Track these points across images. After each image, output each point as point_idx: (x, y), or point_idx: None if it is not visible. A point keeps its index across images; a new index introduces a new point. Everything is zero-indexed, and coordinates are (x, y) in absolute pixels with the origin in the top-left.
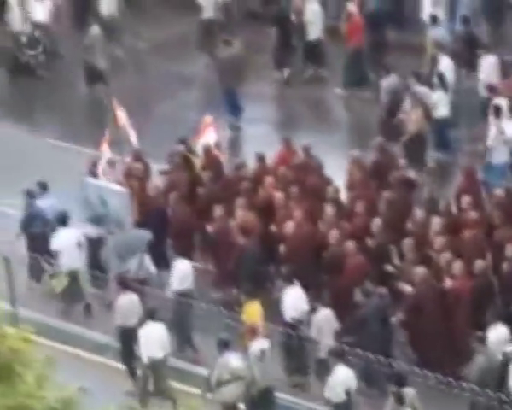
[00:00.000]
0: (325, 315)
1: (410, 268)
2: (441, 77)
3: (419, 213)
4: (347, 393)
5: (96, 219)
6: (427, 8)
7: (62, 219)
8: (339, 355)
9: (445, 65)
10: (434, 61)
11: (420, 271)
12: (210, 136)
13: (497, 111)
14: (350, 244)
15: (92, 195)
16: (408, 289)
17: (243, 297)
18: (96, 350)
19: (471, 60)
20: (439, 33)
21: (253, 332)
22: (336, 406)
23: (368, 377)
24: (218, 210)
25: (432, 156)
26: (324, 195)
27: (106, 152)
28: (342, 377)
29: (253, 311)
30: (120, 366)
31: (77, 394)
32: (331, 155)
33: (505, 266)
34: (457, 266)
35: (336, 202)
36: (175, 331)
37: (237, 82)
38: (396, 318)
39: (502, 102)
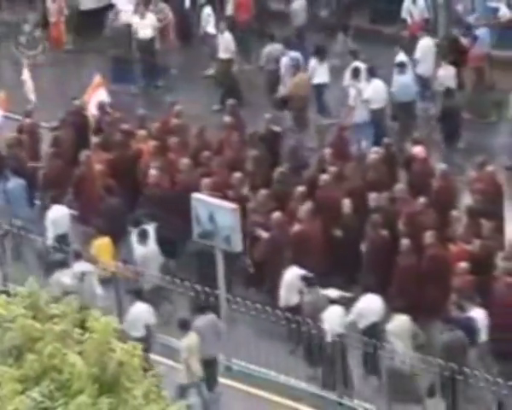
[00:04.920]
0: (151, 251)
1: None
2: (319, 49)
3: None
4: (147, 328)
5: (205, 236)
6: None
7: None
8: (137, 294)
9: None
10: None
11: (275, 216)
12: (101, 96)
13: (355, 73)
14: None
15: (201, 211)
16: (263, 234)
17: (95, 233)
18: None
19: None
20: None
21: (78, 256)
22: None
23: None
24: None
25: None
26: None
27: None
28: (140, 313)
29: (100, 246)
30: None
31: None
32: None
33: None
34: (305, 208)
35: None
36: None
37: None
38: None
39: (361, 64)
